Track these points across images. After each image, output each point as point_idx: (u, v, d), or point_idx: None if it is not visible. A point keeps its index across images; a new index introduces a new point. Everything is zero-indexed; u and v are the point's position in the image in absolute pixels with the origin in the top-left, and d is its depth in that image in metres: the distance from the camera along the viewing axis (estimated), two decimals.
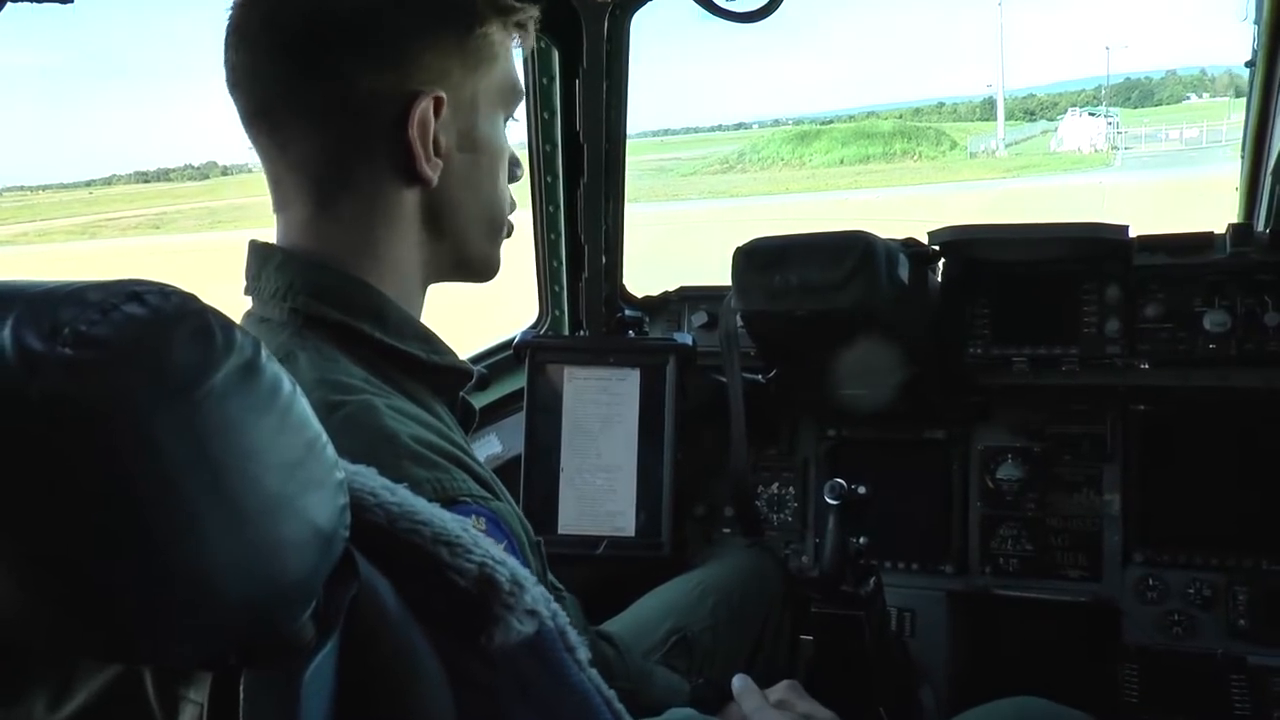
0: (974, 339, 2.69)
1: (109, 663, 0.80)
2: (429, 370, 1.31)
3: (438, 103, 1.25)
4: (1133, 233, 2.56)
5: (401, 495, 0.90)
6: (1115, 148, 64.73)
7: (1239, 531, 2.60)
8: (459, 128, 1.30)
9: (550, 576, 1.38)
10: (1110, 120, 74.51)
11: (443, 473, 1.09)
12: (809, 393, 2.83)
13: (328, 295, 1.24)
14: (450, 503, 1.07)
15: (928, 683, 2.81)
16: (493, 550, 0.90)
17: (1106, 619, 2.73)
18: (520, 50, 1.40)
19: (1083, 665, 2.99)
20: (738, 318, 2.54)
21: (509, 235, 1.46)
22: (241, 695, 0.74)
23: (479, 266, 1.41)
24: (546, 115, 2.56)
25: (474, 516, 1.08)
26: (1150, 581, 2.65)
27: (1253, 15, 2.56)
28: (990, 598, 2.81)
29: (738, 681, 1.81)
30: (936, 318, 2.67)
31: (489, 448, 2.91)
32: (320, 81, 1.22)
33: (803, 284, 2.31)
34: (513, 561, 0.91)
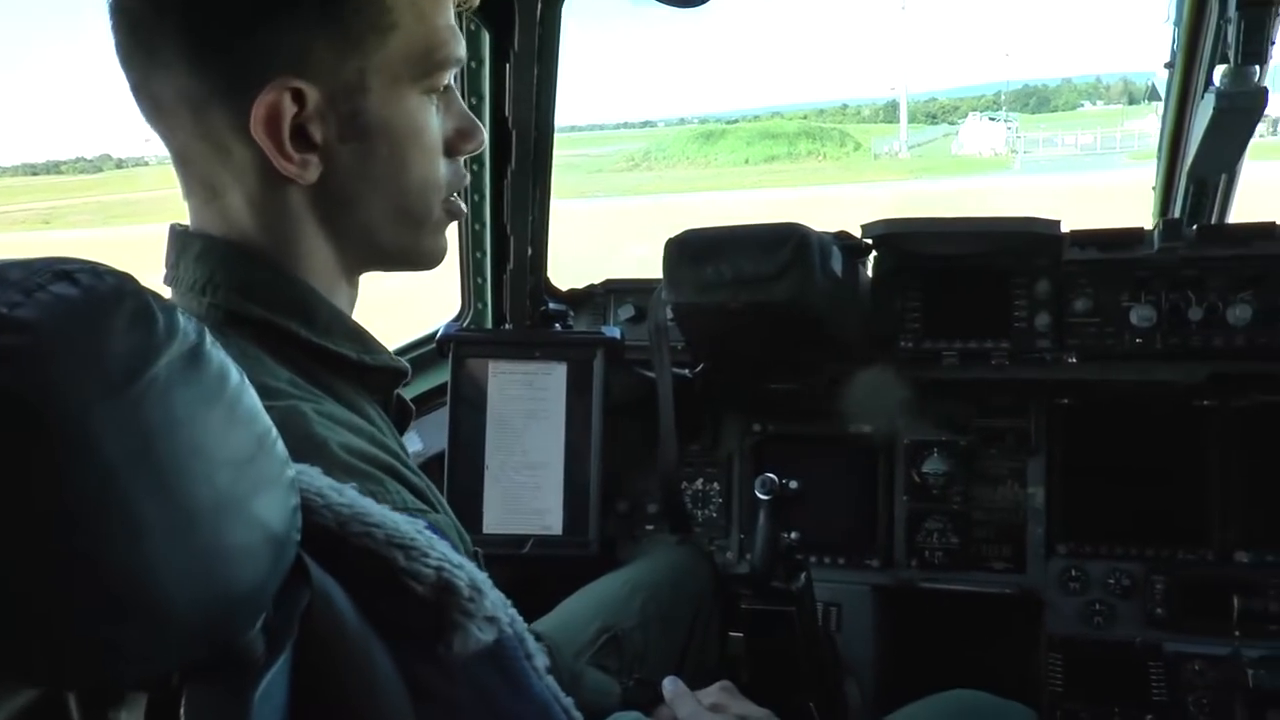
0: (905, 333, 2.68)
1: (30, 686, 0.72)
2: (361, 370, 1.21)
3: (297, 93, 1.07)
4: (1065, 227, 2.58)
5: (350, 496, 0.83)
6: (1014, 152, 66.34)
7: (1157, 523, 2.65)
8: (340, 115, 1.11)
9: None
10: (1009, 125, 76.38)
11: (375, 484, 1.00)
12: (735, 387, 2.82)
13: (251, 290, 1.14)
14: None
15: (853, 676, 2.80)
16: (449, 554, 0.84)
17: (1030, 610, 2.77)
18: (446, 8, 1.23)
19: (1008, 656, 3.01)
20: (668, 310, 2.49)
21: (456, 218, 1.32)
22: (183, 718, 0.66)
23: (404, 259, 1.27)
24: (474, 100, 2.47)
25: None
26: (1072, 573, 2.68)
27: (1173, 17, 2.59)
28: (916, 591, 2.82)
29: (669, 684, 1.77)
30: (868, 311, 2.66)
31: (410, 445, 2.79)
32: (158, 70, 1.08)
33: (736, 276, 2.27)
34: (470, 566, 0.85)
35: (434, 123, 1.21)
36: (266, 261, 1.16)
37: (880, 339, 2.66)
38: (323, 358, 1.17)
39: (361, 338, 1.23)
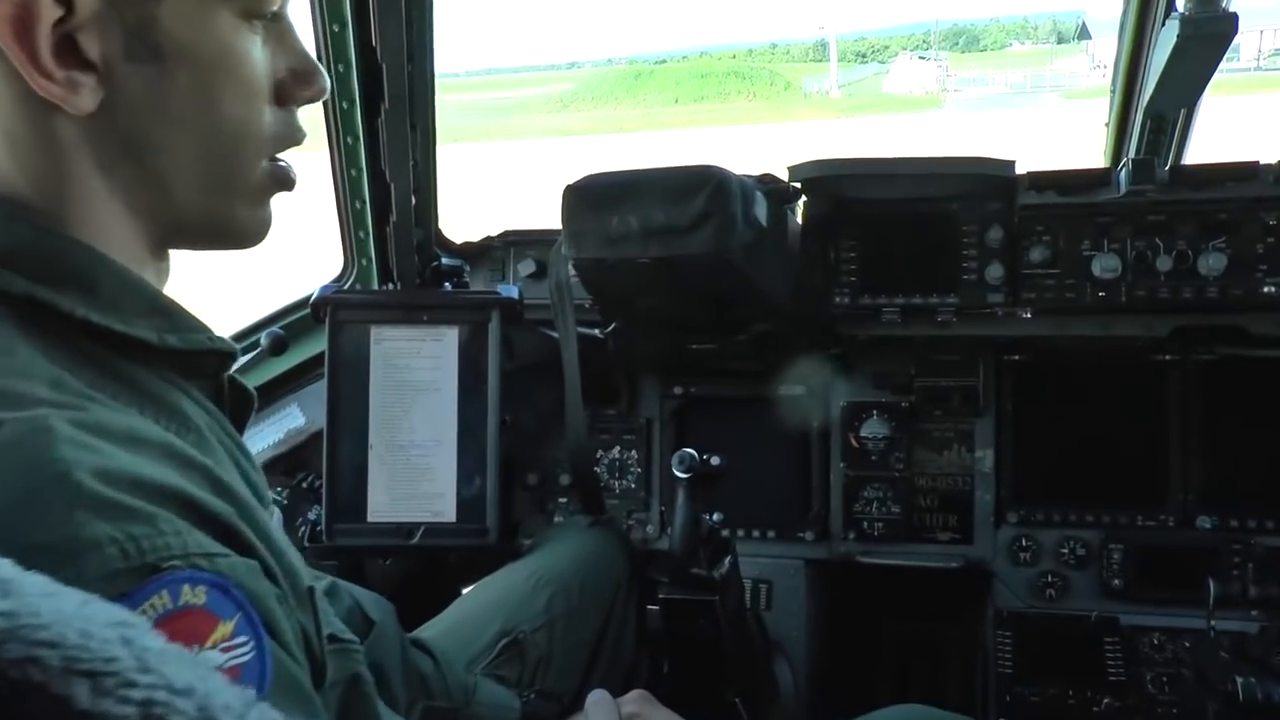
0: (839, 287, 2.47)
1: None
2: (170, 356, 0.98)
3: None
4: (1020, 168, 2.34)
5: (16, 596, 0.54)
6: (945, 90, 66.72)
7: (1114, 487, 2.52)
8: (126, 25, 0.91)
9: (336, 621, 1.05)
10: (940, 64, 76.83)
11: (142, 525, 0.76)
12: (652, 347, 2.63)
13: (10, 255, 0.90)
14: (149, 571, 0.75)
15: (784, 656, 2.70)
16: (179, 672, 0.56)
17: (978, 584, 2.66)
18: None
19: (953, 634, 2.94)
20: (570, 266, 2.24)
21: (287, 188, 1.08)
22: None
23: (213, 230, 1.05)
24: (336, 28, 2.16)
25: (185, 587, 0.76)
26: (1023, 542, 2.57)
27: None
28: (854, 566, 2.70)
29: (594, 697, 1.63)
30: (797, 264, 2.46)
31: (290, 420, 2.65)
32: None
33: (645, 227, 2.03)
34: (215, 682, 0.57)
35: (255, 56, 0.99)
36: (30, 216, 0.92)
37: (811, 294, 2.45)
38: (114, 342, 0.93)
39: (170, 313, 0.99)
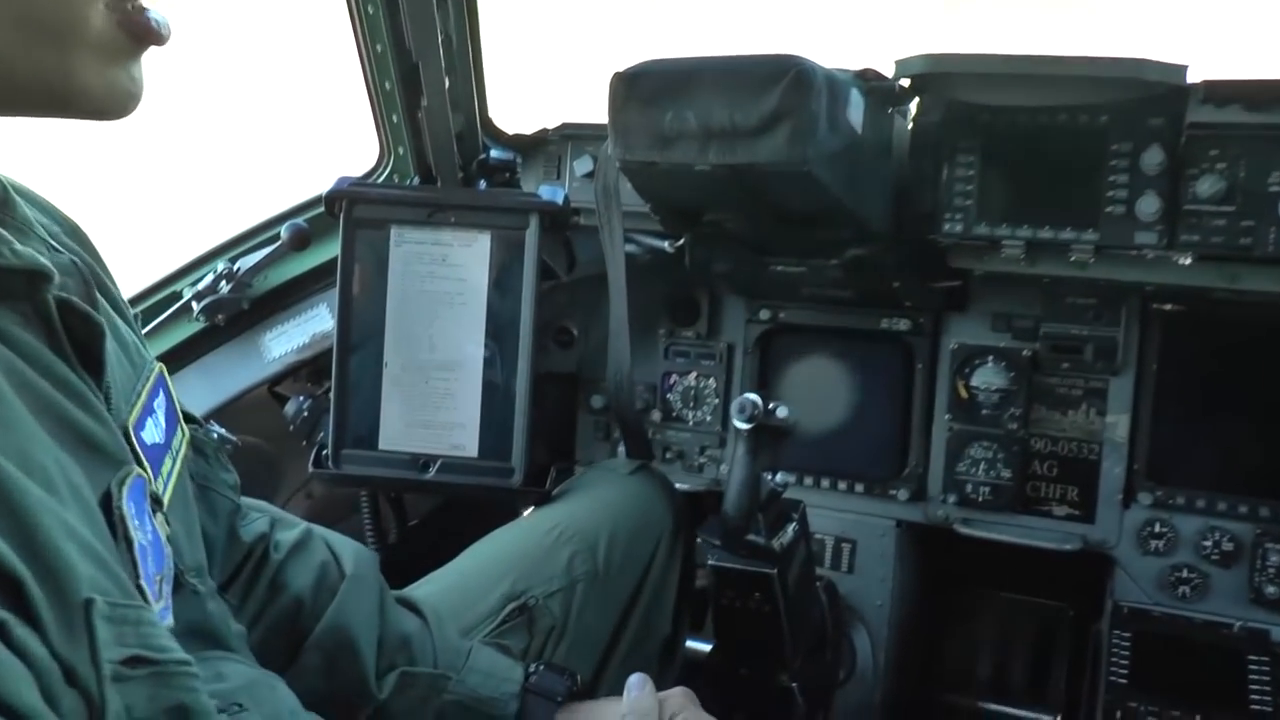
0: (952, 212, 2.11)
1: None
2: None
3: None
4: (1194, 75, 1.92)
5: None
6: None
7: (1276, 473, 2.18)
8: None
9: (156, 636, 0.86)
10: None
11: None
12: (728, 266, 2.37)
13: None
14: None
15: (864, 626, 2.56)
16: None
17: (1096, 570, 2.41)
18: None
19: (1059, 629, 2.72)
20: (616, 169, 1.97)
21: (150, 42, 0.94)
22: None
23: (49, 95, 0.90)
24: None
25: None
26: (1156, 528, 2.28)
27: None
28: (951, 535, 2.48)
29: (635, 680, 1.45)
30: (901, 180, 2.16)
31: (316, 323, 2.48)
32: None
33: (704, 127, 1.74)
34: None
35: None
36: None
37: (918, 219, 2.14)
38: None
39: None
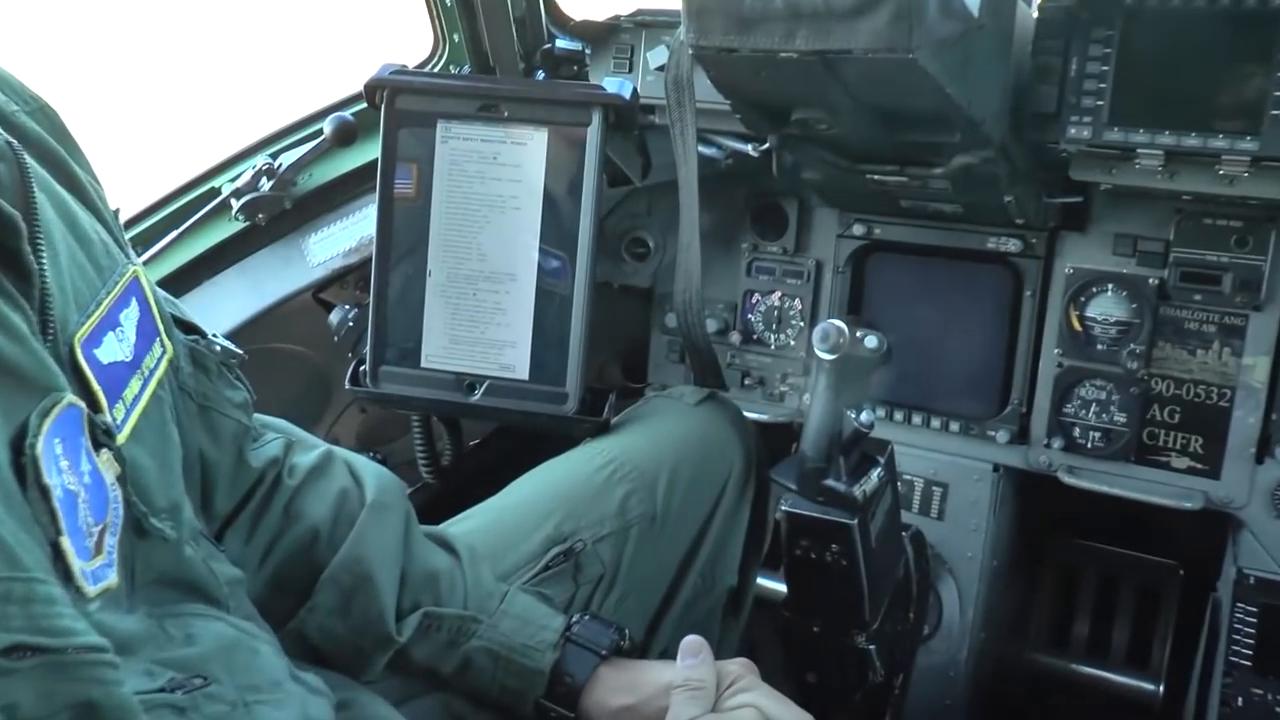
0: (1080, 112, 1.91)
1: None
2: None
3: None
4: None
5: None
6: None
7: None
8: None
9: (63, 617, 0.74)
10: None
11: None
12: (819, 173, 2.20)
13: None
14: None
15: (953, 579, 2.48)
16: None
17: (1219, 532, 2.28)
18: None
19: (1167, 590, 2.58)
20: (690, 57, 1.80)
21: None
22: None
23: None
24: None
25: None
26: None
27: None
28: (1055, 484, 2.35)
29: (690, 643, 1.35)
30: (1021, 76, 1.98)
31: (365, 226, 2.35)
32: None
33: (792, 6, 1.53)
34: None
35: None
36: None
37: (1038, 120, 1.95)
38: None
39: None
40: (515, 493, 1.77)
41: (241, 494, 1.28)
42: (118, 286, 0.98)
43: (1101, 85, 1.90)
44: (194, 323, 1.18)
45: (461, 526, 1.66)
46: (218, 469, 1.21)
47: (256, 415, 1.31)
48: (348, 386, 1.95)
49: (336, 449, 1.43)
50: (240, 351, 1.25)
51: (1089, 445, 2.30)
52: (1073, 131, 1.92)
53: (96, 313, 0.93)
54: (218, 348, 1.21)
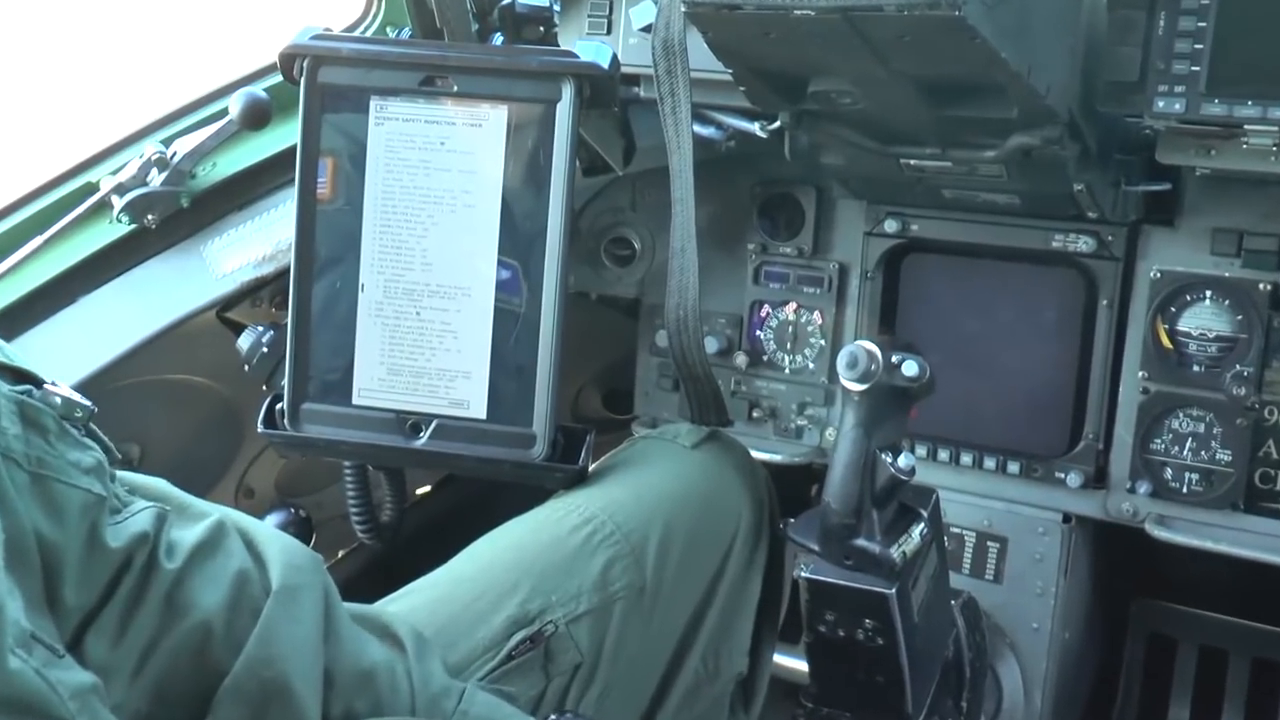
0: (1169, 80, 1.96)
1: None
2: None
3: None
4: None
5: None
6: None
7: None
8: None
9: None
10: None
11: None
12: (843, 158, 2.33)
13: None
14: None
15: (1014, 656, 2.56)
16: None
17: None
18: None
19: None
20: (683, 15, 1.86)
21: None
22: None
23: None
24: None
25: None
26: None
27: None
28: (1141, 538, 2.41)
29: None
30: (1094, 37, 2.05)
31: (284, 228, 2.37)
32: None
33: None
34: None
35: None
36: None
37: (1117, 92, 2.03)
38: None
39: None
40: (470, 560, 1.79)
41: (102, 583, 1.24)
42: None
43: (1198, 46, 1.95)
44: (23, 368, 1.17)
45: (404, 605, 1.67)
46: (63, 552, 1.18)
47: (124, 475, 1.30)
48: (261, 429, 1.96)
49: (230, 516, 1.42)
50: (88, 403, 1.23)
51: (1184, 490, 2.35)
52: (1160, 104, 1.98)
53: None
54: (57, 399, 1.20)
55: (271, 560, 1.39)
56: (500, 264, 1.94)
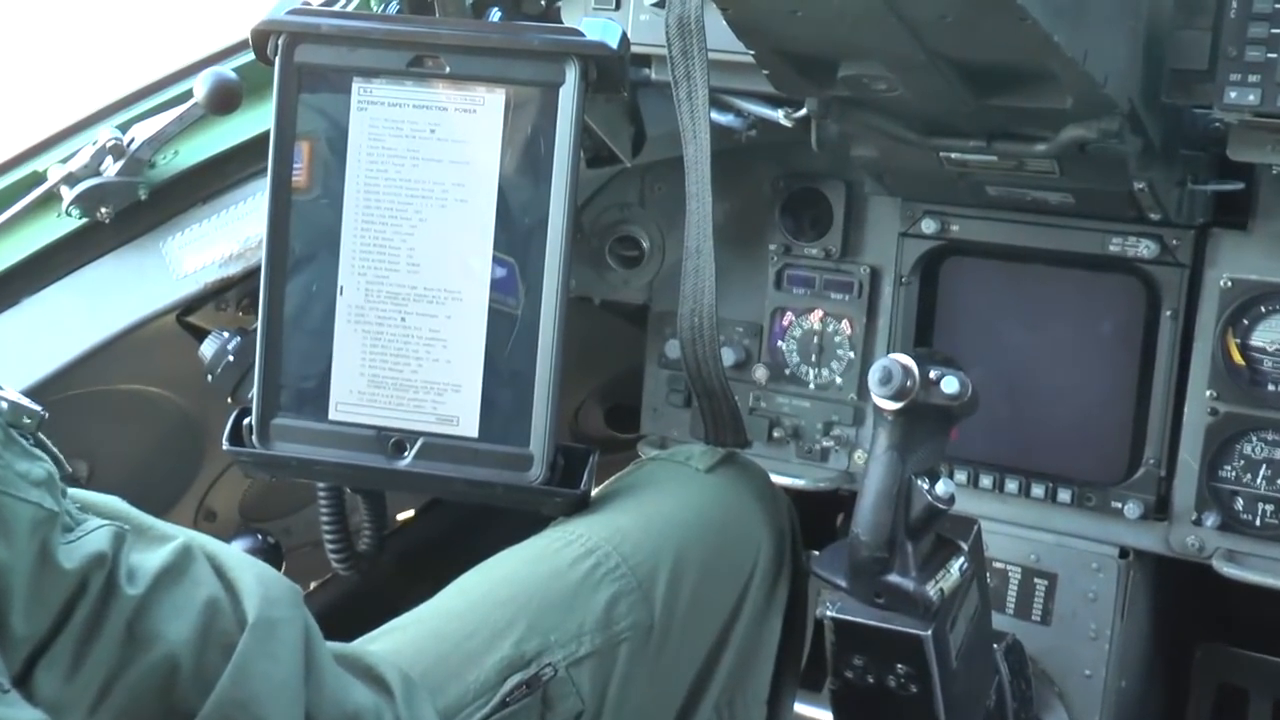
0: (1242, 69, 1.97)
1: None
2: None
3: None
4: None
5: None
6: None
7: None
8: None
9: None
10: None
11: None
12: (876, 149, 2.36)
13: None
14: None
15: (1064, 708, 2.58)
16: None
17: None
18: None
19: None
20: None
21: None
22: None
23: None
24: None
25: None
26: None
27: None
28: (1208, 575, 2.43)
29: None
30: (1157, 19, 2.04)
31: (252, 223, 2.41)
32: None
33: None
34: None
35: None
36: None
37: (1183, 81, 2.03)
38: None
39: None
40: (459, 595, 1.80)
41: (55, 609, 1.26)
42: None
43: (1275, 30, 1.95)
44: None
45: (388, 644, 1.68)
46: (10, 574, 1.19)
47: (75, 492, 1.31)
48: (226, 446, 1.97)
49: (197, 540, 1.43)
50: (38, 408, 1.24)
51: (1257, 522, 2.36)
52: (1233, 95, 1.98)
53: None
54: (3, 404, 1.22)
55: (246, 590, 1.40)
56: (496, 264, 1.95)
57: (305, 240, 1.96)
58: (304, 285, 1.96)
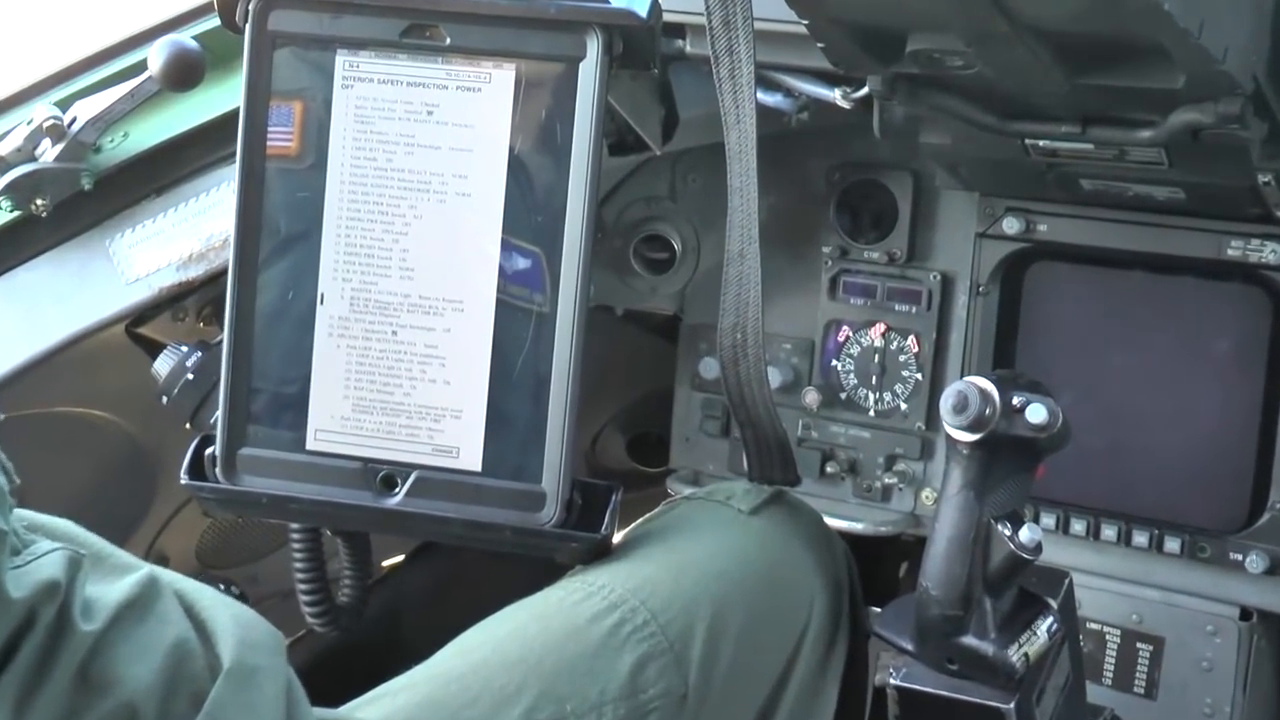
0: None
1: None
2: None
3: None
4: None
5: None
6: None
7: None
8: None
9: None
10: None
11: None
12: (950, 136, 2.39)
13: None
14: None
15: None
16: None
17: None
18: None
19: None
20: None
21: None
22: None
23: None
24: None
25: None
26: None
27: None
28: None
29: None
30: None
31: (216, 219, 2.45)
32: None
33: None
34: None
35: None
36: None
37: None
38: None
39: None
40: (461, 655, 1.82)
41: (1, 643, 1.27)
42: None
43: None
44: None
45: (377, 711, 1.70)
46: None
47: (21, 512, 1.31)
48: (185, 480, 1.99)
49: (164, 574, 1.44)
50: None
51: None
52: None
53: None
54: None
55: (220, 631, 1.41)
56: (504, 271, 1.97)
57: (280, 239, 1.98)
58: (278, 292, 1.98)
